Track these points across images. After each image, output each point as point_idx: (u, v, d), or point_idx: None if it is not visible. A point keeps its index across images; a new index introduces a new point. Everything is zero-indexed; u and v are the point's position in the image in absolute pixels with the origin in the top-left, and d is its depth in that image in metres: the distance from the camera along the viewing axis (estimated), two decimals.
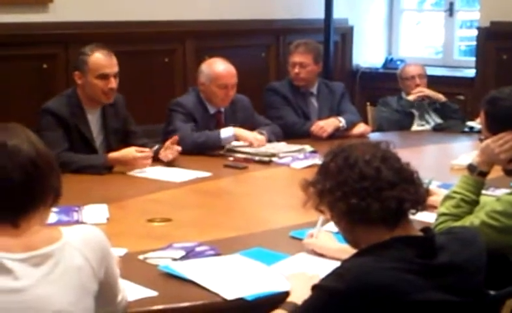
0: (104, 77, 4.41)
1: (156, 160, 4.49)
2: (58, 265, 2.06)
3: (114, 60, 4.48)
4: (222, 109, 5.10)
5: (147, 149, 4.41)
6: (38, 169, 2.13)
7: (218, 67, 5.03)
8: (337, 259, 2.44)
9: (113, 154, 4.35)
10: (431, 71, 6.82)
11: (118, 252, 2.82)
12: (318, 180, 2.31)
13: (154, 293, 2.51)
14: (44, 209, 2.16)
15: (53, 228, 2.15)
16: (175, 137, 4.48)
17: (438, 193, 3.43)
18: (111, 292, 2.24)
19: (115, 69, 4.46)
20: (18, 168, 2.09)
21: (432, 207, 3.15)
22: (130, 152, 4.35)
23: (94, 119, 4.54)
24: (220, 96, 5.01)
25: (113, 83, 4.44)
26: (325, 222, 2.86)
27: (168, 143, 4.51)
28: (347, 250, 2.46)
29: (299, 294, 2.35)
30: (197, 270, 2.67)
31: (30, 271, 2.03)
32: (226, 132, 4.90)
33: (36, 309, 2.02)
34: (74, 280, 2.07)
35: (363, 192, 2.19)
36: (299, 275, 2.59)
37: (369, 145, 2.33)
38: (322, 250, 2.82)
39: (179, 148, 4.54)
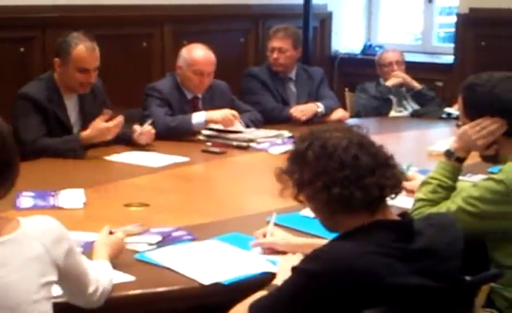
0: (84, 71, 4.38)
1: (133, 144, 4.48)
2: (16, 255, 2.04)
3: (96, 54, 4.43)
4: (199, 95, 5.08)
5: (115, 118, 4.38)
6: (6, 156, 2.11)
7: (197, 53, 5.01)
8: (302, 254, 2.42)
9: (85, 132, 4.32)
10: (410, 57, 6.84)
11: (95, 236, 2.81)
12: (294, 170, 2.29)
13: (131, 278, 2.50)
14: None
15: (10, 218, 2.12)
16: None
17: (416, 178, 3.44)
18: (78, 282, 2.22)
19: (96, 63, 4.43)
20: None
21: (411, 192, 3.17)
22: (98, 123, 4.31)
23: (71, 104, 4.50)
24: (194, 82, 4.99)
25: (92, 77, 4.41)
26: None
27: (140, 128, 4.49)
28: (312, 244, 2.46)
29: (283, 276, 2.34)
30: (173, 257, 2.67)
31: None
32: (198, 117, 4.88)
33: (1, 296, 2.01)
34: (33, 269, 2.05)
35: (345, 181, 2.18)
36: (288, 257, 2.58)
37: (343, 130, 2.31)
38: (285, 247, 2.73)
39: (153, 132, 4.53)
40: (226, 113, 4.86)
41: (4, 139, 2.11)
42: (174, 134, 4.77)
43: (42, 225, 2.12)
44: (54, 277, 2.11)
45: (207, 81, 5.03)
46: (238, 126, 4.87)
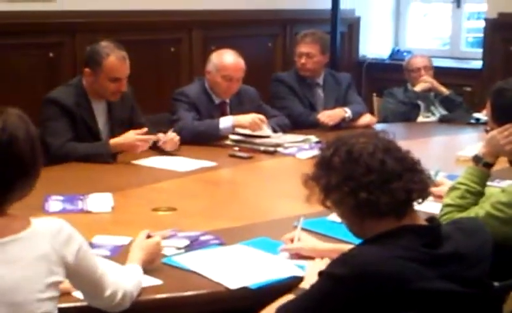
0: (116, 80, 4.40)
1: (159, 150, 4.51)
2: (24, 253, 2.06)
3: (127, 64, 4.44)
4: (227, 100, 5.09)
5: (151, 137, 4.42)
6: (33, 159, 2.14)
7: (226, 58, 5.02)
8: (329, 259, 2.42)
9: (115, 139, 4.35)
10: (438, 62, 6.81)
11: (123, 240, 2.83)
12: (321, 175, 2.28)
13: (158, 282, 2.51)
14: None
15: (21, 217, 2.14)
16: (151, 137, 4.45)
17: (444, 184, 3.42)
18: (93, 284, 2.23)
19: (127, 72, 4.45)
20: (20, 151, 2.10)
21: (439, 197, 3.15)
22: (132, 134, 4.34)
23: (99, 110, 4.52)
24: (223, 87, 5.00)
25: (123, 86, 4.43)
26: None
27: (164, 135, 4.51)
28: (338, 250, 2.46)
29: (310, 280, 2.34)
30: (200, 262, 2.67)
31: (2, 256, 2.04)
32: (225, 122, 4.88)
33: (8, 293, 2.03)
34: (40, 268, 2.07)
35: (371, 186, 2.18)
36: (315, 262, 2.58)
37: (369, 136, 2.31)
38: (312, 253, 2.73)
39: (177, 139, 4.55)
40: (253, 117, 4.86)
41: (32, 142, 2.14)
42: (202, 139, 4.78)
43: (51, 225, 2.13)
44: (61, 277, 2.13)
45: (235, 87, 5.04)
46: (266, 130, 4.88)
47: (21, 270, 2.05)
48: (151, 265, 2.56)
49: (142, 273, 2.46)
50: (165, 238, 2.78)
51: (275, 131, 5.00)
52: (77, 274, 2.18)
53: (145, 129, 4.41)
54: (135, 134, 4.34)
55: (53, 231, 2.12)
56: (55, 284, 2.11)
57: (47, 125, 4.30)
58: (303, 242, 2.78)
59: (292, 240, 2.78)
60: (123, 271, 2.41)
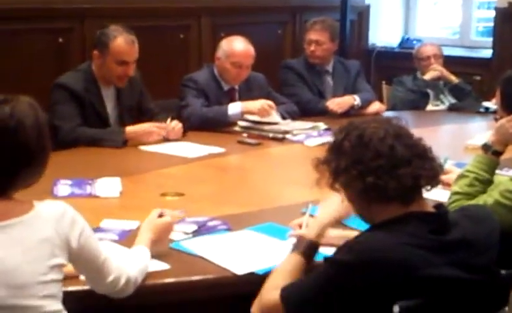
0: (123, 63, 4.40)
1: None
2: (27, 237, 2.07)
3: (135, 48, 4.44)
4: (236, 87, 5.09)
5: (164, 124, 4.44)
6: (41, 144, 2.16)
7: (236, 45, 5.02)
8: (334, 246, 2.39)
9: (131, 128, 4.35)
10: (448, 51, 6.79)
11: (131, 225, 2.84)
12: (331, 159, 2.29)
13: (166, 266, 2.52)
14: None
15: (24, 200, 2.15)
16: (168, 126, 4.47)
17: (453, 171, 3.41)
18: (96, 269, 2.23)
19: (135, 56, 4.44)
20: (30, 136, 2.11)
21: (447, 185, 3.15)
22: (149, 125, 4.36)
23: (108, 95, 4.53)
24: (232, 73, 5.00)
25: (131, 70, 4.43)
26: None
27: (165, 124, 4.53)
28: (344, 237, 2.45)
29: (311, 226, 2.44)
30: (208, 247, 2.68)
31: (5, 237, 2.05)
32: (233, 108, 4.88)
33: (9, 275, 2.04)
34: (43, 251, 2.08)
35: (379, 170, 2.18)
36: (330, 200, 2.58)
37: (381, 121, 2.31)
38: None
39: (179, 127, 4.54)
40: (262, 103, 4.86)
41: (40, 127, 2.15)
42: (210, 125, 4.78)
43: (54, 209, 2.14)
44: (64, 260, 2.13)
45: (245, 74, 5.04)
46: (275, 116, 4.87)
47: (23, 252, 2.06)
48: (159, 245, 2.56)
49: (149, 256, 2.46)
50: (175, 219, 2.78)
51: (284, 118, 5.00)
52: (80, 258, 2.18)
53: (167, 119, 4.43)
54: (154, 125, 4.37)
55: (57, 215, 2.13)
56: (58, 267, 2.12)
57: (56, 109, 4.31)
58: (310, 228, 2.78)
59: (300, 226, 2.78)
60: (128, 256, 2.41)
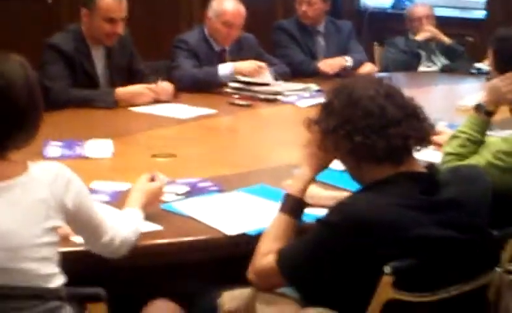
0: (111, 21, 4.37)
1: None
2: (21, 199, 2.05)
3: (123, 5, 4.41)
4: (227, 48, 5.06)
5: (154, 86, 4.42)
6: (33, 103, 2.13)
7: (227, 4, 5.00)
8: (326, 207, 2.35)
9: (122, 89, 4.32)
10: (440, 12, 6.78)
11: (122, 186, 2.83)
12: (321, 119, 2.28)
13: (158, 227, 2.51)
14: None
15: (18, 162, 2.12)
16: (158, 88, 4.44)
17: (444, 132, 3.41)
18: (91, 229, 2.23)
19: (123, 14, 4.41)
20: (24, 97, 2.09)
21: (439, 146, 3.14)
22: (141, 87, 4.33)
23: (98, 56, 4.50)
24: (222, 33, 4.97)
25: (119, 28, 4.40)
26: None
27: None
28: (337, 197, 2.44)
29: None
30: (199, 208, 2.67)
31: None
32: (224, 68, 4.87)
33: (4, 237, 2.02)
34: (37, 213, 2.06)
35: (368, 130, 2.16)
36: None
37: (372, 81, 2.30)
38: (311, 200, 2.64)
39: (168, 87, 4.52)
40: (253, 63, 4.84)
41: (31, 86, 2.12)
42: (201, 86, 4.77)
43: (49, 170, 2.12)
44: (59, 222, 2.12)
45: (235, 34, 5.02)
46: (267, 76, 4.85)
47: (17, 214, 2.04)
48: (149, 208, 2.55)
49: (142, 218, 2.45)
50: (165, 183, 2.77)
51: (276, 79, 4.98)
52: (76, 218, 2.17)
53: (158, 80, 4.40)
54: (145, 86, 4.34)
55: (52, 176, 2.11)
56: (54, 229, 2.10)
57: (46, 68, 4.28)
58: None
59: None
60: (122, 217, 2.40)
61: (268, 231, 2.36)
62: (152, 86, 4.40)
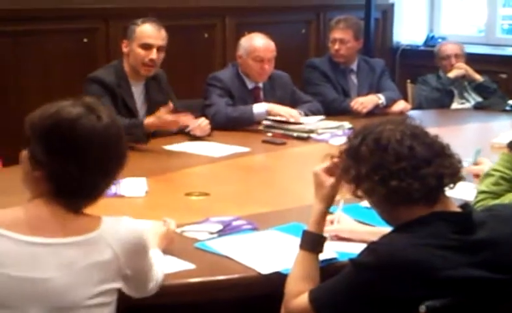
0: (147, 47, 4.43)
1: (190, 134, 4.52)
2: (83, 258, 2.04)
3: (161, 34, 4.50)
4: (260, 85, 5.10)
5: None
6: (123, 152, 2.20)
7: (256, 40, 5.04)
8: (366, 242, 2.38)
9: (148, 119, 4.32)
10: (473, 49, 6.76)
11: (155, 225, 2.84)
12: (350, 165, 2.27)
13: (191, 266, 2.52)
14: None
15: (92, 216, 2.12)
16: (187, 114, 4.45)
17: (484, 163, 3.39)
18: (142, 283, 2.23)
19: (160, 42, 4.48)
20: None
21: (478, 177, 3.12)
22: (163, 113, 4.34)
23: (138, 91, 4.57)
24: (256, 69, 5.01)
25: (154, 55, 4.45)
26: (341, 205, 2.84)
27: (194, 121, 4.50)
28: (376, 232, 2.44)
29: None
30: (233, 247, 2.68)
31: (56, 258, 2.02)
32: (259, 108, 4.89)
33: (55, 297, 2.02)
34: (94, 275, 2.05)
35: (402, 173, 2.16)
36: None
37: (396, 122, 2.28)
38: (350, 235, 2.74)
39: (205, 124, 4.54)
40: (287, 112, 4.86)
41: (121, 137, 2.18)
42: (235, 124, 4.79)
43: (122, 233, 2.11)
44: (118, 284, 2.12)
45: (268, 68, 5.05)
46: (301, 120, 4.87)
47: (77, 273, 2.03)
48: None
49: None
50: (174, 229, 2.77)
51: (306, 114, 4.99)
52: (133, 279, 2.17)
53: (171, 105, 4.36)
54: (165, 111, 4.32)
55: (121, 239, 2.09)
56: (110, 291, 2.09)
57: None
58: (342, 224, 2.79)
59: (332, 222, 2.79)
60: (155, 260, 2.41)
61: (293, 272, 2.36)
62: (170, 106, 4.36)
